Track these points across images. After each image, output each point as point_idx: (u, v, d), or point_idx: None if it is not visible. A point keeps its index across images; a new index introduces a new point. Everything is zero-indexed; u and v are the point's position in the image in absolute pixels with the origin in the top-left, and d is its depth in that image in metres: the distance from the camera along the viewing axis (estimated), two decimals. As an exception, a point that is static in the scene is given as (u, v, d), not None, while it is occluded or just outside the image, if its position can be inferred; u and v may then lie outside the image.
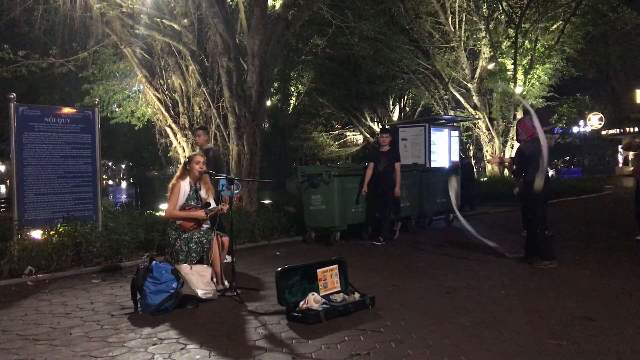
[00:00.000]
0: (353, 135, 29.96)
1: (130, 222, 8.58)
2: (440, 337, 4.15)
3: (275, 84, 22.88)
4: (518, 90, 19.55)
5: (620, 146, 29.79)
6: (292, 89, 25.34)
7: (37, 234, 7.26)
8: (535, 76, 19.77)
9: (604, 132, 29.95)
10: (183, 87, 11.30)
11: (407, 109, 27.93)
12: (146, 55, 11.29)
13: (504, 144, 20.82)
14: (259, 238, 9.23)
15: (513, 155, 8.26)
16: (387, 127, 9.55)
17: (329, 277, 5.12)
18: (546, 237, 7.16)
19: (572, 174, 41.25)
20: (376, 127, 27.33)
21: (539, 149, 6.79)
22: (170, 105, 11.46)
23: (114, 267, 7.20)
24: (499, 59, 19.35)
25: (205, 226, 5.76)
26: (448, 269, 6.89)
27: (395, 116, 27.19)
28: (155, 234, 8.05)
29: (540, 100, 21.13)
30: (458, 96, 20.97)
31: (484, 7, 18.99)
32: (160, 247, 7.76)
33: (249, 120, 10.58)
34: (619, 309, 4.87)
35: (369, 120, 27.46)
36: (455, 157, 14.95)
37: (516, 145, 20.93)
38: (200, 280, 5.34)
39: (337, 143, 29.27)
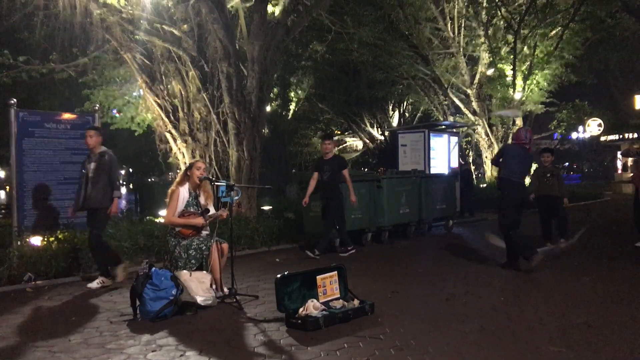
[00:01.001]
0: (352, 140, 30.00)
1: (130, 228, 8.57)
2: (439, 343, 4.15)
3: (275, 90, 22.91)
4: (517, 96, 19.57)
5: (619, 152, 29.80)
6: (292, 95, 25.38)
7: (36, 241, 7.26)
8: (535, 82, 19.78)
9: (603, 138, 29.93)
10: (183, 93, 11.31)
11: (407, 114, 27.97)
12: (146, 61, 11.30)
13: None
14: (258, 244, 9.23)
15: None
16: (329, 133, 8.85)
17: (329, 284, 5.12)
18: (521, 237, 7.11)
19: (571, 180, 41.28)
20: (376, 133, 27.37)
21: (519, 154, 7.08)
22: (170, 110, 11.46)
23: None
24: (498, 65, 19.37)
25: (204, 233, 5.75)
26: (447, 275, 6.89)
27: (395, 122, 27.22)
28: (154, 240, 8.05)
29: (540, 106, 21.15)
30: (457, 102, 20.99)
31: (483, 14, 19.02)
32: (159, 253, 7.76)
33: (249, 125, 10.59)
34: (618, 315, 4.88)
35: (368, 125, 27.49)
36: (455, 163, 14.97)
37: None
38: (199, 286, 5.33)
39: (336, 149, 29.28)
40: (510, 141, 7.82)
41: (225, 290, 5.66)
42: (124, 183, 70.11)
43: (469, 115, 20.65)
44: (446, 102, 21.66)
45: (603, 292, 5.80)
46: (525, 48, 19.18)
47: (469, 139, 23.28)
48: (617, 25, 19.91)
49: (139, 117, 14.88)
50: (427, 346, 4.09)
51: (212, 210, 5.85)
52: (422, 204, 10.77)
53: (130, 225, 9.03)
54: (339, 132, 30.29)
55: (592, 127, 28.95)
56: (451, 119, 20.82)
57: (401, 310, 5.12)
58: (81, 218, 7.89)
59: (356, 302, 5.07)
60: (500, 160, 7.34)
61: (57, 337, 4.54)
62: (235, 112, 10.48)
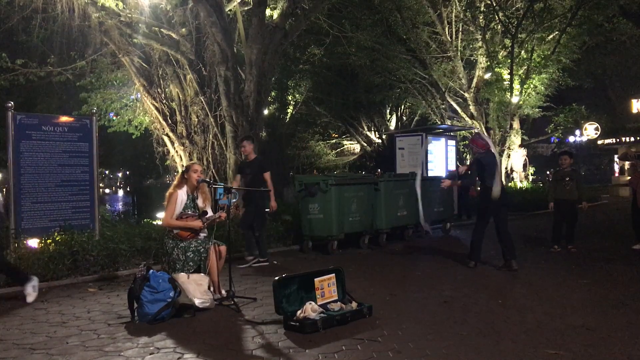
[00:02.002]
0: (350, 144, 29.99)
1: (127, 230, 8.55)
2: (437, 346, 4.15)
3: (273, 93, 22.93)
4: (514, 99, 19.61)
5: (616, 156, 29.87)
6: (290, 98, 25.40)
7: (34, 243, 7.24)
8: (532, 86, 19.83)
9: (600, 142, 30.01)
10: (181, 96, 11.33)
11: (404, 118, 28.01)
12: (144, 64, 11.33)
13: (501, 153, 20.82)
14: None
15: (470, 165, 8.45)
16: (249, 134, 8.52)
17: (327, 286, 5.11)
18: (478, 242, 7.58)
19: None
20: (373, 136, 27.40)
21: (494, 160, 7.35)
22: (168, 114, 11.48)
23: (110, 276, 7.18)
24: (496, 69, 19.41)
25: (202, 235, 5.75)
26: (445, 278, 6.90)
27: (392, 125, 27.27)
28: (152, 242, 8.04)
29: (537, 110, 21.20)
30: (455, 105, 21.03)
31: (481, 18, 19.08)
32: (156, 255, 7.75)
33: (247, 129, 10.59)
34: (616, 318, 4.88)
35: (366, 129, 27.51)
36: (452, 167, 14.99)
37: (513, 154, 21.07)
38: (197, 289, 5.32)
39: (334, 152, 29.28)
40: (474, 152, 7.82)
41: (223, 292, 5.65)
42: (121, 185, 70.12)
43: (467, 118, 20.68)
44: (444, 106, 21.69)
45: (601, 295, 5.81)
46: (523, 52, 19.24)
47: (467, 142, 23.30)
48: (614, 29, 19.98)
49: (136, 120, 14.90)
50: (425, 349, 4.09)
51: (209, 213, 5.84)
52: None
53: (128, 227, 9.02)
54: (336, 136, 30.30)
55: (589, 131, 29.03)
56: (448, 122, 20.86)
57: (399, 313, 5.12)
58: (78, 220, 7.93)
59: (354, 304, 5.07)
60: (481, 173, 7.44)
61: (55, 339, 4.53)
62: (232, 116, 10.49)
